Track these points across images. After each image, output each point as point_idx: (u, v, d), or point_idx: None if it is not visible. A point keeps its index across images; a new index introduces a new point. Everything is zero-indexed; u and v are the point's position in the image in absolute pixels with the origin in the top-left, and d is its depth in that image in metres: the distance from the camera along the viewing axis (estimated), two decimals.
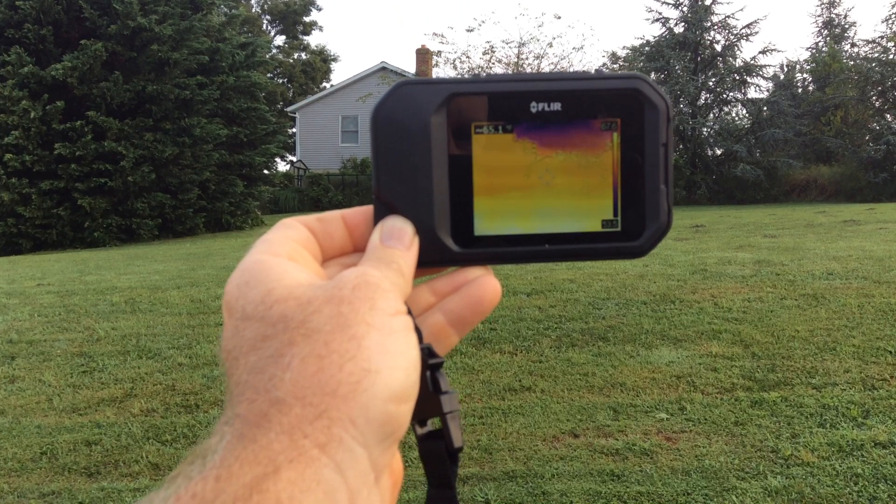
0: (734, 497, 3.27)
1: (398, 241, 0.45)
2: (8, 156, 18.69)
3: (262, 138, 24.92)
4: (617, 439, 3.96)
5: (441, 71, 30.82)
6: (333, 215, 0.47)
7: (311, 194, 31.87)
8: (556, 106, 0.47)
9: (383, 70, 33.94)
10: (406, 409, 0.39)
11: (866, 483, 3.31)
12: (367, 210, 0.47)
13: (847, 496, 3.21)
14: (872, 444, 3.69)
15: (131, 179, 19.86)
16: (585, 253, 0.48)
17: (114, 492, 3.70)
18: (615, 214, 0.47)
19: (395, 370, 0.38)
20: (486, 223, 0.47)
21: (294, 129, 37.00)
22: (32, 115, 18.75)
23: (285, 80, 50.65)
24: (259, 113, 24.52)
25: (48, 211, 19.35)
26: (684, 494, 3.33)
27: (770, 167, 27.21)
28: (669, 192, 0.47)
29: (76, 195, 19.44)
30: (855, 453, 3.61)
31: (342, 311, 0.38)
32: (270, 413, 0.35)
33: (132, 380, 5.40)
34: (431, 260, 0.46)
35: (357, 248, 0.47)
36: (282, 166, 41.12)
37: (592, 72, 0.48)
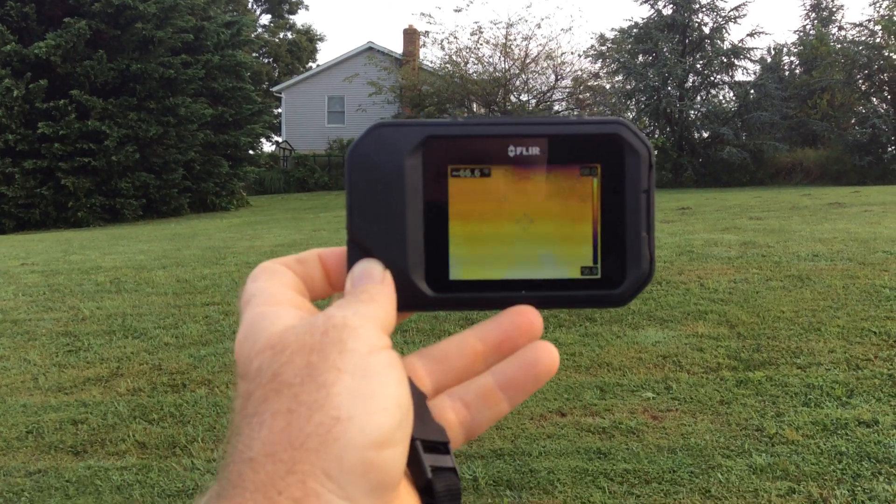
0: (719, 475, 3.30)
1: (368, 278, 0.43)
2: None
3: (247, 118, 24.78)
4: (603, 418, 3.98)
5: (428, 52, 30.67)
6: (311, 256, 0.45)
7: (296, 175, 31.74)
8: (535, 150, 0.46)
9: (370, 50, 33.73)
10: (393, 454, 0.36)
11: (850, 461, 3.34)
12: (343, 251, 0.46)
13: (831, 474, 3.24)
14: (856, 422, 3.72)
15: (115, 159, 19.71)
16: (563, 301, 0.47)
17: (101, 470, 3.69)
18: (595, 262, 0.46)
19: (372, 414, 0.36)
20: (462, 268, 0.46)
21: (280, 110, 36.77)
22: (15, 93, 18.55)
23: (271, 59, 50.27)
24: (244, 93, 24.36)
25: (31, 190, 19.19)
26: (670, 472, 3.35)
27: (756, 150, 27.28)
28: (651, 240, 0.46)
29: (59, 175, 19.28)
30: (839, 432, 3.64)
31: (312, 360, 0.36)
32: (244, 472, 0.34)
33: (118, 359, 5.38)
34: (405, 304, 0.45)
35: (335, 288, 0.46)
36: (267, 147, 40.92)
37: (573, 116, 0.47)
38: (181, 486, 3.48)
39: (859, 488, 3.12)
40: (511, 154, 0.46)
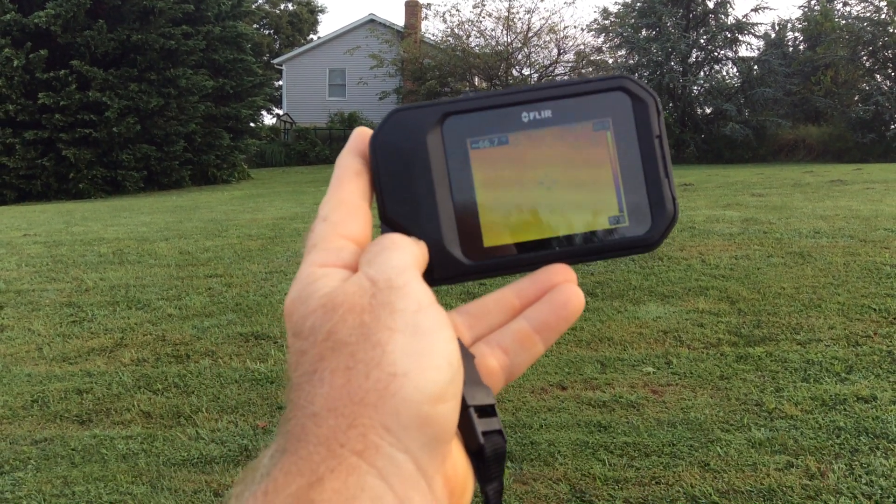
0: (718, 448, 3.33)
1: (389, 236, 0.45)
2: None
3: (248, 90, 24.64)
4: (604, 392, 4.02)
5: (430, 24, 30.47)
6: (361, 205, 0.46)
7: (297, 148, 31.64)
8: (547, 113, 0.47)
9: (371, 22, 33.48)
10: (447, 409, 0.38)
11: (848, 436, 3.38)
12: None
13: (829, 448, 3.28)
14: (855, 398, 3.76)
15: (116, 130, 19.64)
16: (596, 251, 0.48)
17: (106, 439, 3.73)
18: (621, 210, 0.48)
19: (426, 370, 0.37)
20: (494, 234, 0.48)
21: (280, 82, 36.55)
22: (15, 63, 18.44)
23: (271, 31, 49.91)
24: (245, 64, 24.20)
25: (32, 161, 19.14)
26: (670, 445, 3.39)
27: (759, 126, 27.15)
28: (671, 182, 0.48)
29: (60, 146, 19.22)
30: (838, 407, 3.68)
31: (364, 320, 0.38)
32: (307, 426, 0.36)
33: (122, 330, 5.41)
34: (446, 276, 0.47)
35: None
36: (268, 119, 40.77)
37: (577, 77, 0.49)
38: (186, 455, 3.52)
39: (857, 463, 3.15)
40: (525, 119, 0.48)
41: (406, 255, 0.42)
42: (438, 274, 0.46)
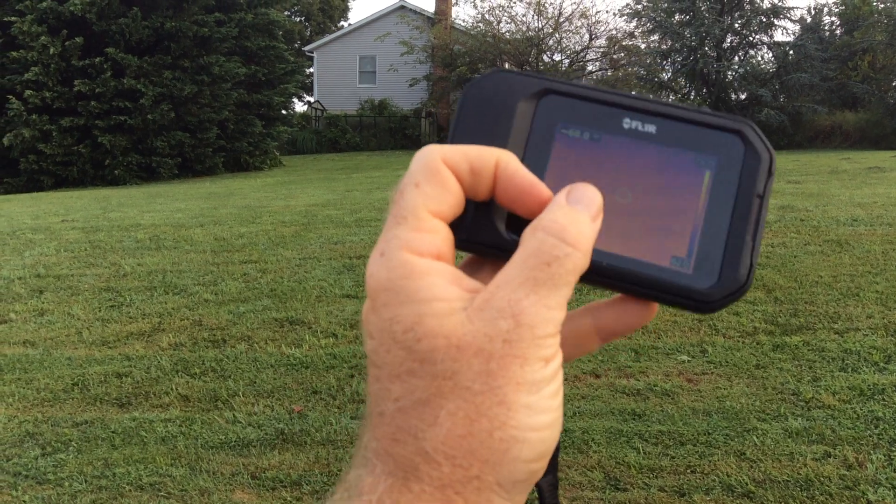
0: (755, 437, 3.31)
1: (589, 205, 0.40)
2: (28, 92, 18.72)
3: (280, 77, 24.76)
4: (638, 380, 4.00)
5: (461, 10, 30.33)
6: (487, 166, 0.40)
7: (328, 135, 31.75)
8: (651, 128, 0.44)
9: (401, 9, 33.43)
10: (546, 462, 0.38)
11: (886, 426, 3.34)
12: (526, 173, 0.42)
13: (867, 438, 3.25)
14: (894, 388, 3.71)
15: (151, 118, 19.86)
16: (644, 283, 0.42)
17: (145, 422, 3.80)
18: (688, 254, 0.42)
19: (542, 431, 0.37)
20: None
21: (311, 69, 36.67)
22: (52, 51, 18.70)
23: (302, 18, 50.03)
24: (277, 51, 24.32)
25: (69, 148, 19.44)
26: (705, 434, 3.38)
27: (795, 113, 26.74)
28: (756, 249, 0.42)
29: (96, 132, 19.49)
30: (876, 397, 3.63)
31: (491, 368, 0.36)
32: (418, 464, 0.36)
33: (160, 315, 5.49)
34: (479, 240, 0.43)
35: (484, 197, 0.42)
36: (299, 107, 40.93)
37: (699, 107, 0.45)
38: (224, 438, 3.58)
39: None
40: (625, 126, 0.44)
41: (566, 297, 0.39)
42: (474, 236, 0.43)
